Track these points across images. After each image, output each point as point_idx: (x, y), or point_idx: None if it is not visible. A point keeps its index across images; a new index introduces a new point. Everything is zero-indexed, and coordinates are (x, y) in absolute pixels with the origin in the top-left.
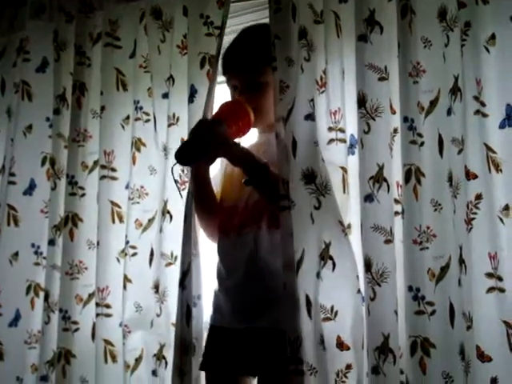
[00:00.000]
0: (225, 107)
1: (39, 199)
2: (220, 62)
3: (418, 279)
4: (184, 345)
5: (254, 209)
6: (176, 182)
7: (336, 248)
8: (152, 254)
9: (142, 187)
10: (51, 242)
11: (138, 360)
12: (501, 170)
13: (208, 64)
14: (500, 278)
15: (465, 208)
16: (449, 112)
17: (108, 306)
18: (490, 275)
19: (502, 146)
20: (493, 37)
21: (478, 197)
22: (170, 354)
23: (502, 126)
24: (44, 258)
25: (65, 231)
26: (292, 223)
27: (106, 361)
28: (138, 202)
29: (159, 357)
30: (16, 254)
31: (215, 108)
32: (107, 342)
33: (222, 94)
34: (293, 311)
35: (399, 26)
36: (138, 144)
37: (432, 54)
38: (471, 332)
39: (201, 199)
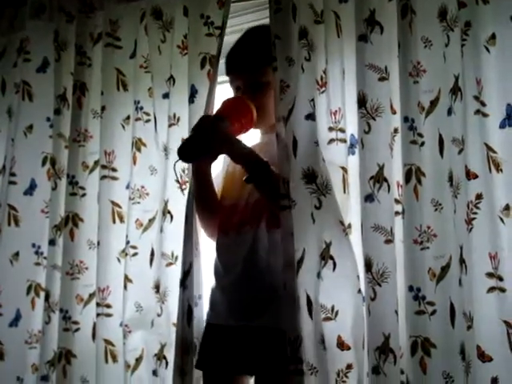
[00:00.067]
0: (227, 104)
1: (40, 199)
2: (223, 62)
3: (418, 279)
4: (185, 344)
5: (254, 208)
6: (180, 177)
7: (337, 248)
8: (152, 254)
9: (142, 187)
10: (52, 242)
11: (139, 360)
12: (501, 170)
13: (208, 64)
14: (500, 278)
15: (465, 208)
16: (449, 112)
17: (108, 306)
18: (490, 275)
19: (502, 145)
20: (493, 37)
21: (479, 197)
22: (170, 354)
23: (502, 126)
24: (44, 257)
25: (65, 231)
26: (292, 223)
27: (106, 361)
28: (138, 202)
29: (160, 357)
30: (16, 253)
31: (217, 106)
32: (108, 341)
33: (223, 94)
34: (293, 311)
35: (399, 26)
36: (138, 144)
37: (432, 53)
38: (472, 332)
39: (201, 197)
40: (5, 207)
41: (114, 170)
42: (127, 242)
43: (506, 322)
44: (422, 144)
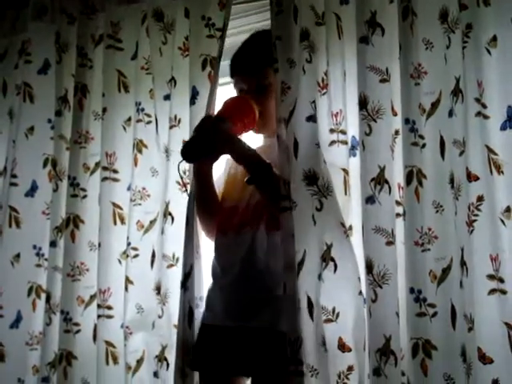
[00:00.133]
0: (229, 103)
1: (41, 201)
2: (224, 64)
3: (419, 281)
4: (186, 346)
5: (254, 209)
6: (181, 178)
7: (338, 250)
8: (153, 255)
9: (143, 189)
10: (53, 244)
11: (140, 361)
12: (502, 172)
13: (209, 66)
14: (501, 280)
15: (466, 210)
16: (450, 114)
17: (109, 308)
18: (491, 277)
19: (503, 147)
20: (494, 38)
21: (480, 198)
22: (171, 356)
23: (503, 128)
24: (45, 259)
25: (66, 233)
26: (293, 224)
27: (107, 362)
28: (139, 204)
29: (161, 358)
30: (17, 255)
31: (219, 106)
32: (108, 343)
33: (224, 95)
34: (293, 312)
35: (400, 28)
36: (139, 146)
37: (433, 55)
38: (473, 334)
39: (202, 198)
40: (6, 209)
41: (115, 171)
42: (128, 244)
43: (506, 323)
44: (423, 146)
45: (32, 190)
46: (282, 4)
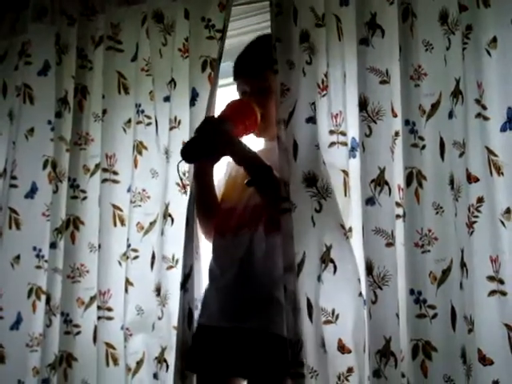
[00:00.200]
0: (232, 106)
1: (41, 202)
2: (224, 65)
3: (419, 282)
4: (185, 348)
5: (252, 211)
6: (181, 179)
7: (337, 251)
8: (153, 257)
9: (143, 190)
10: (53, 245)
11: (140, 363)
12: (502, 173)
13: (209, 67)
14: (501, 282)
15: (466, 211)
16: (450, 115)
17: (109, 309)
18: (491, 278)
19: (503, 149)
20: (494, 40)
21: (480, 200)
22: (171, 357)
23: (503, 129)
24: (45, 261)
25: (66, 234)
26: (293, 226)
27: (107, 364)
28: (139, 205)
29: (160, 360)
30: (17, 257)
31: (219, 108)
32: (109, 345)
33: (224, 97)
34: (293, 314)
35: (400, 30)
36: (139, 147)
37: (433, 57)
38: (473, 335)
39: (202, 199)
40: (6, 210)
41: (115, 173)
42: (128, 245)
43: (506, 325)
44: (423, 147)
45: (32, 192)
46: (281, 5)
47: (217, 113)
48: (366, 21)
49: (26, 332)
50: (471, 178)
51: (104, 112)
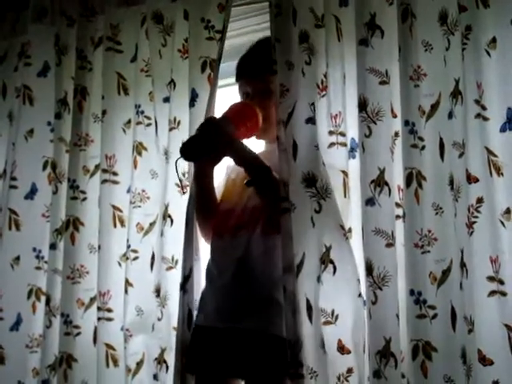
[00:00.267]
0: (233, 108)
1: (40, 203)
2: (224, 66)
3: (419, 283)
4: (185, 348)
5: (251, 213)
6: (180, 178)
7: (337, 252)
8: (153, 257)
9: (143, 191)
10: (52, 246)
11: (140, 364)
12: (502, 174)
13: (209, 68)
14: (501, 282)
15: (466, 211)
16: (450, 116)
17: (109, 310)
18: (491, 279)
19: (502, 149)
20: (494, 40)
21: (479, 200)
22: (171, 358)
23: (502, 130)
24: (45, 262)
25: (66, 235)
26: (292, 226)
27: (107, 365)
28: (139, 206)
29: (160, 361)
30: (17, 258)
31: (218, 110)
32: (109, 346)
33: (223, 98)
34: (293, 315)
35: (400, 30)
36: (139, 148)
37: (433, 57)
38: (473, 336)
39: (201, 200)
40: (6, 211)
41: (114, 174)
42: (128, 246)
43: (506, 325)
44: (423, 148)
45: (32, 193)
46: (281, 6)
47: (217, 114)
48: (366, 21)
49: (25, 333)
50: (471, 179)
51: (104, 113)
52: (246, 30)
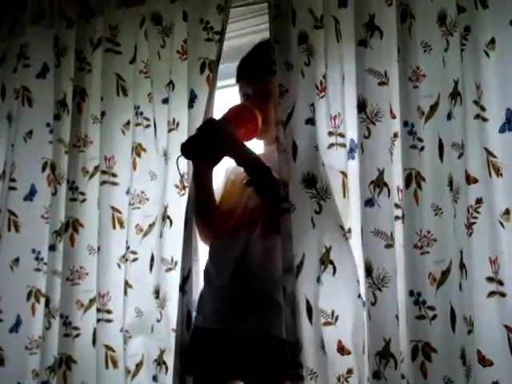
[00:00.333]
0: (233, 110)
1: (40, 205)
2: (223, 67)
3: (418, 284)
4: (184, 350)
5: (251, 213)
6: (181, 176)
7: (336, 252)
8: (152, 259)
9: (142, 192)
10: (52, 248)
11: (139, 365)
12: (501, 175)
13: (208, 69)
14: (501, 283)
15: (465, 212)
16: (449, 116)
17: (109, 312)
18: (490, 279)
19: (502, 150)
20: (492, 41)
21: (479, 201)
22: (170, 359)
23: (502, 131)
24: (45, 263)
25: (65, 237)
26: (292, 226)
27: (106, 366)
28: (138, 208)
29: (160, 362)
30: (17, 259)
31: (217, 112)
32: (108, 347)
33: (222, 99)
34: (293, 316)
35: (399, 31)
36: (138, 149)
37: (432, 58)
38: (472, 336)
39: (200, 201)
40: (5, 213)
41: (113, 175)
42: (127, 248)
43: (506, 326)
44: (422, 148)
45: (31, 194)
46: (280, 7)
47: (216, 115)
48: (365, 22)
49: (25, 335)
50: (470, 179)
51: (103, 114)
52: (244, 31)
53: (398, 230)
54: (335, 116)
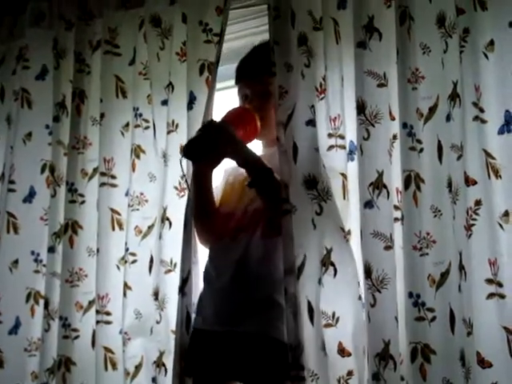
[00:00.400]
0: (232, 112)
1: (39, 206)
2: (222, 69)
3: (418, 285)
4: (184, 351)
5: (252, 216)
6: (185, 176)
7: (337, 254)
8: (152, 261)
9: (141, 194)
10: (51, 250)
11: (138, 367)
12: (500, 176)
13: (207, 71)
14: (500, 284)
15: (464, 214)
16: (448, 118)
17: (108, 314)
18: (489, 281)
19: (501, 151)
20: (491, 43)
21: (478, 203)
22: (169, 361)
23: (500, 132)
24: (44, 265)
25: (65, 238)
26: (293, 228)
27: (106, 368)
28: (137, 209)
29: (159, 364)
30: (16, 261)
31: (216, 114)
32: (107, 349)
33: (221, 100)
34: (294, 317)
35: (398, 33)
36: (137, 151)
37: (431, 60)
38: (471, 338)
39: (200, 202)
40: (4, 215)
41: (113, 177)
42: (126, 249)
43: (505, 328)
44: (421, 150)
45: (30, 196)
46: (279, 9)
47: (215, 117)
48: (364, 24)
49: (24, 336)
50: (469, 181)
51: (102, 116)
52: (244, 33)
53: (398, 232)
54: (335, 118)
